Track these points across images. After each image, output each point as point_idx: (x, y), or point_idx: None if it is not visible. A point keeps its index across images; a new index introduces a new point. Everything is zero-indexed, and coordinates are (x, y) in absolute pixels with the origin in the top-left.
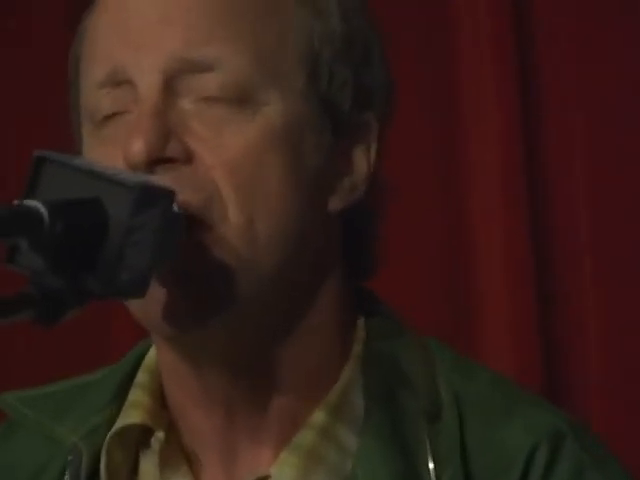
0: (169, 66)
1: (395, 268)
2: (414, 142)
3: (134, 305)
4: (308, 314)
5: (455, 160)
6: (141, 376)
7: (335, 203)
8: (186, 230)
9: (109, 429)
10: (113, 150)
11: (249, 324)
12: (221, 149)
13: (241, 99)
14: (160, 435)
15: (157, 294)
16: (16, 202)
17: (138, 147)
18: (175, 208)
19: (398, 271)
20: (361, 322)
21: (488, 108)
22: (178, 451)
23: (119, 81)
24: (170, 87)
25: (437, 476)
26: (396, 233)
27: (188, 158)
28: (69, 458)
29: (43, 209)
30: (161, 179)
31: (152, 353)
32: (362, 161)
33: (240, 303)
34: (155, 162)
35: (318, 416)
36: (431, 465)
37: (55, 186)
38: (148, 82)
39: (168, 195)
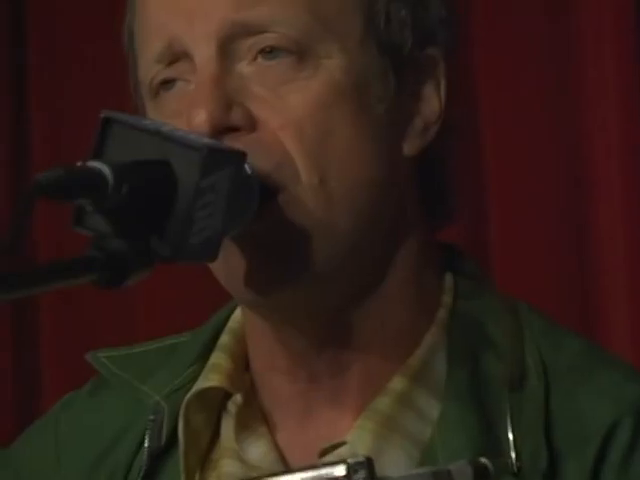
0: (223, 32)
1: (523, 272)
2: (539, 145)
3: (217, 272)
4: (388, 276)
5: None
6: (224, 338)
7: (409, 147)
8: (259, 194)
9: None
10: (176, 124)
11: (329, 288)
12: (285, 110)
13: (301, 51)
14: (237, 398)
15: (237, 258)
16: (79, 163)
17: (201, 118)
18: (246, 170)
19: (525, 274)
20: (448, 282)
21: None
22: (257, 414)
23: (176, 53)
24: (226, 53)
25: (517, 447)
26: (523, 238)
27: (252, 125)
28: (150, 417)
29: (107, 171)
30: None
31: (237, 316)
32: (432, 98)
33: (319, 265)
34: (220, 132)
35: (397, 382)
36: (511, 436)
37: (122, 147)
38: (203, 51)
39: (238, 156)
